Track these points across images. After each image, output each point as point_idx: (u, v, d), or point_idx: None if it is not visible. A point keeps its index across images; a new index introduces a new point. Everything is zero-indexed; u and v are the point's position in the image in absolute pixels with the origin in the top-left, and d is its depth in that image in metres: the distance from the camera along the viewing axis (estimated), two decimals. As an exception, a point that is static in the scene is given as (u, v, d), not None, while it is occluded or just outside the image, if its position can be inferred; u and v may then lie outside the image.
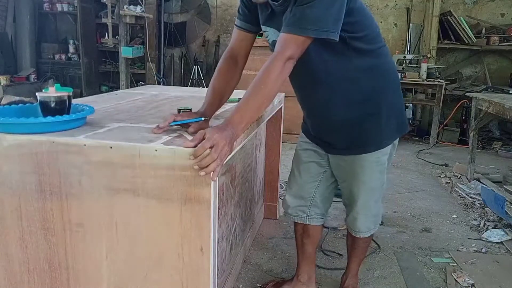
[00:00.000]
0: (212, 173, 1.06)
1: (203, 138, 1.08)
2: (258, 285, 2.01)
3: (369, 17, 1.43)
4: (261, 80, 1.25)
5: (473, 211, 2.97)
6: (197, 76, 5.94)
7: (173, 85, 5.76)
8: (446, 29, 5.47)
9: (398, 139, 1.63)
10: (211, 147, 1.05)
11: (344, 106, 1.49)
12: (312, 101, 1.58)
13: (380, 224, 1.90)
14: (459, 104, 5.06)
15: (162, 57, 5.91)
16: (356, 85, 1.46)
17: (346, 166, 1.62)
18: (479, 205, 3.05)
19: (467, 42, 5.40)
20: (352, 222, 1.74)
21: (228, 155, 1.13)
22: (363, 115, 1.49)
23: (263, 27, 1.49)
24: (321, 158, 1.71)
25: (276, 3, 1.35)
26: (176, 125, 1.26)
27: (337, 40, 1.27)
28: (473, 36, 5.35)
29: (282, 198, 2.99)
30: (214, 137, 1.07)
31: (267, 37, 1.50)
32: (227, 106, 1.88)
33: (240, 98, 2.00)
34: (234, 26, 1.56)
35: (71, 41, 6.56)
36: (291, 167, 1.84)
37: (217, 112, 1.57)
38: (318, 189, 1.76)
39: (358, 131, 1.52)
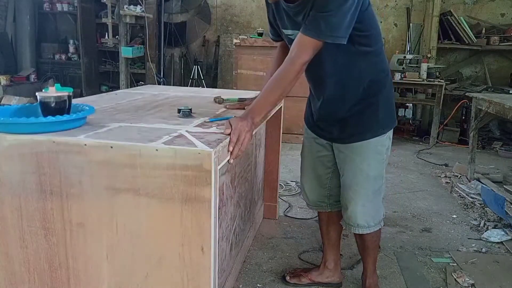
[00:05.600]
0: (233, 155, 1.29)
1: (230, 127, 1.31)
2: (258, 285, 2.01)
3: (374, 17, 1.55)
4: (280, 78, 1.45)
5: (473, 211, 2.97)
6: (197, 76, 5.93)
7: (173, 85, 5.76)
8: (446, 29, 5.47)
9: (392, 134, 1.72)
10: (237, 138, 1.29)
11: (351, 99, 1.63)
12: (322, 93, 1.69)
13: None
14: (459, 104, 5.06)
15: (162, 57, 5.90)
16: (361, 80, 1.60)
17: (346, 154, 1.70)
18: (479, 205, 3.05)
19: (467, 42, 5.40)
20: (350, 217, 1.74)
21: (250, 141, 1.34)
22: (364, 106, 1.63)
23: (285, 32, 1.62)
24: (328, 151, 1.80)
25: (291, 4, 1.49)
26: None
27: (345, 43, 1.43)
28: (473, 36, 5.35)
29: (281, 198, 3.01)
30: (238, 127, 1.30)
31: (291, 36, 1.58)
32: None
33: (240, 98, 2.02)
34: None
35: (71, 41, 6.56)
36: (301, 161, 1.93)
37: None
38: (332, 180, 1.86)
39: (358, 121, 1.64)
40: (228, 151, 1.26)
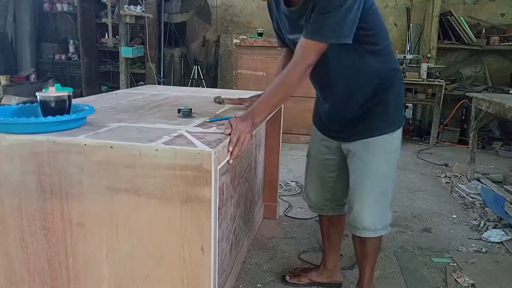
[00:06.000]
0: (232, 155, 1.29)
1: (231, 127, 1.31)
2: (258, 285, 2.01)
3: (378, 15, 1.53)
4: (284, 81, 1.45)
5: (473, 211, 2.97)
6: (197, 76, 5.93)
7: (173, 85, 5.76)
8: (446, 29, 5.47)
9: (401, 133, 1.68)
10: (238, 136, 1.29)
11: (360, 99, 1.59)
12: (330, 96, 1.66)
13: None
14: (459, 104, 5.06)
15: (162, 57, 5.90)
16: (370, 79, 1.56)
17: (353, 152, 1.65)
18: (479, 205, 3.05)
19: (467, 42, 5.40)
20: (356, 218, 1.67)
21: (250, 142, 1.34)
22: (374, 104, 1.59)
23: (290, 36, 1.59)
24: (335, 155, 1.76)
25: (292, 8, 1.48)
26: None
27: (351, 42, 1.40)
28: (473, 36, 5.35)
29: (281, 198, 3.01)
30: (238, 128, 1.30)
31: (296, 40, 1.52)
32: (226, 106, 1.88)
33: (240, 98, 2.02)
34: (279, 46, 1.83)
35: (71, 41, 6.55)
36: (306, 162, 1.90)
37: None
38: (337, 182, 1.82)
39: (368, 119, 1.61)
40: (228, 151, 1.26)
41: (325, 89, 1.68)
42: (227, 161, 1.27)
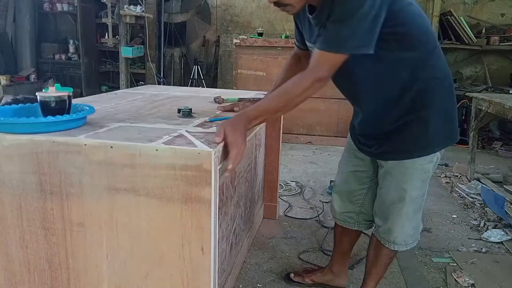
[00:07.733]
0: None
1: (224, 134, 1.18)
2: (258, 285, 2.01)
3: (415, 16, 1.35)
4: (286, 90, 1.32)
5: (473, 211, 2.97)
6: (197, 76, 5.94)
7: (173, 85, 5.76)
8: (446, 29, 5.47)
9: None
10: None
11: (395, 113, 1.44)
12: (361, 106, 1.55)
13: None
14: (459, 104, 5.05)
15: (162, 57, 5.91)
16: (406, 90, 1.40)
17: (386, 169, 1.55)
18: (479, 205, 3.05)
19: (467, 42, 5.40)
20: (387, 233, 1.63)
21: (244, 149, 1.22)
22: (411, 120, 1.43)
23: (308, 44, 1.52)
24: (367, 167, 1.68)
25: (311, 16, 1.38)
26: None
27: (372, 52, 1.25)
28: (473, 36, 5.35)
29: (281, 198, 3.01)
30: (234, 142, 1.17)
31: (311, 49, 1.48)
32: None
33: (240, 98, 2.02)
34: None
35: (71, 41, 6.56)
36: (337, 172, 1.82)
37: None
38: (367, 196, 1.73)
39: (404, 137, 1.46)
40: (227, 167, 1.18)
41: (354, 101, 1.57)
42: (224, 175, 1.20)
